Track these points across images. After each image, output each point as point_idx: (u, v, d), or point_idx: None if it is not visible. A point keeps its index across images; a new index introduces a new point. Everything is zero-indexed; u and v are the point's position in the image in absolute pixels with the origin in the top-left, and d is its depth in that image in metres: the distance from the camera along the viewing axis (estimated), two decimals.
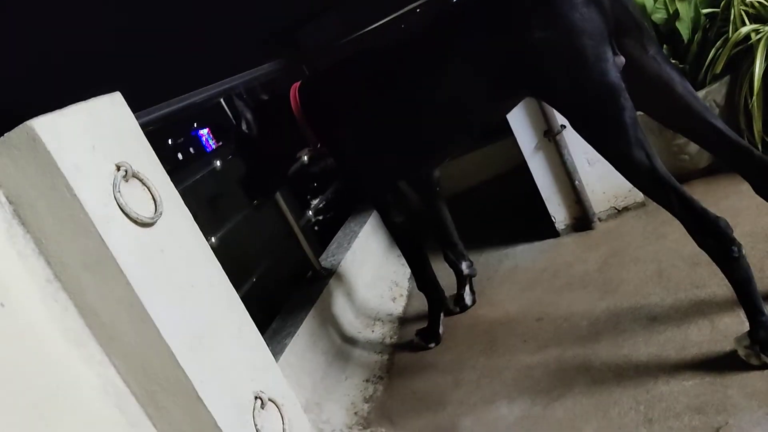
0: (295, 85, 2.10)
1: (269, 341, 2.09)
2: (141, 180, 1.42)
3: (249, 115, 2.13)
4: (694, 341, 1.58)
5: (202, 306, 1.47)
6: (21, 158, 1.27)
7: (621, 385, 1.56)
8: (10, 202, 1.32)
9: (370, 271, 2.79)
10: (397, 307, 2.61)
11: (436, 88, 1.73)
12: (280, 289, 2.64)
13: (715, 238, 1.40)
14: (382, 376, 2.15)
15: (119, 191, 1.35)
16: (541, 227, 2.63)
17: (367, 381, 2.13)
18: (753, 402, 1.32)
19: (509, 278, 2.42)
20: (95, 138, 1.37)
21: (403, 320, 2.51)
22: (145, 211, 1.39)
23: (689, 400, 1.40)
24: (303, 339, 2.10)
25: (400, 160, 2.00)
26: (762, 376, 1.37)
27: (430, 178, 2.25)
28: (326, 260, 2.72)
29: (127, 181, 1.38)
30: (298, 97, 2.06)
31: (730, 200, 2.14)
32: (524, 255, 2.56)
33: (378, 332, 2.42)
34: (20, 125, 1.24)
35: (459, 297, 2.33)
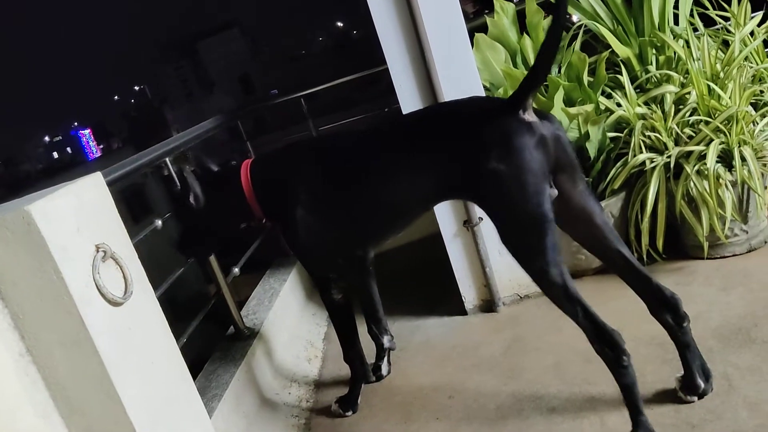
0: (246, 161, 2.23)
1: None
2: (115, 260, 1.51)
3: (197, 188, 2.22)
4: None
5: (160, 382, 1.57)
6: (12, 240, 1.34)
7: None
8: None
9: (288, 330, 2.91)
10: (313, 369, 2.75)
11: (389, 184, 1.95)
12: (201, 343, 2.70)
13: (610, 348, 1.68)
14: None
15: (98, 273, 1.44)
16: (450, 301, 2.88)
17: None
18: None
19: (422, 351, 2.63)
20: (80, 220, 1.45)
21: (319, 383, 2.65)
22: (118, 291, 1.48)
23: None
24: (229, 402, 2.19)
25: (347, 241, 2.18)
26: None
27: (365, 257, 2.44)
28: (248, 317, 2.82)
29: (104, 261, 1.47)
30: (249, 174, 2.19)
31: (618, 302, 2.44)
32: (435, 330, 2.79)
33: (294, 395, 2.55)
34: (17, 209, 1.31)
35: (376, 367, 2.51)
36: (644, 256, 2.58)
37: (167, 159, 2.48)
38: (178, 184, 2.45)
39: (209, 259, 2.59)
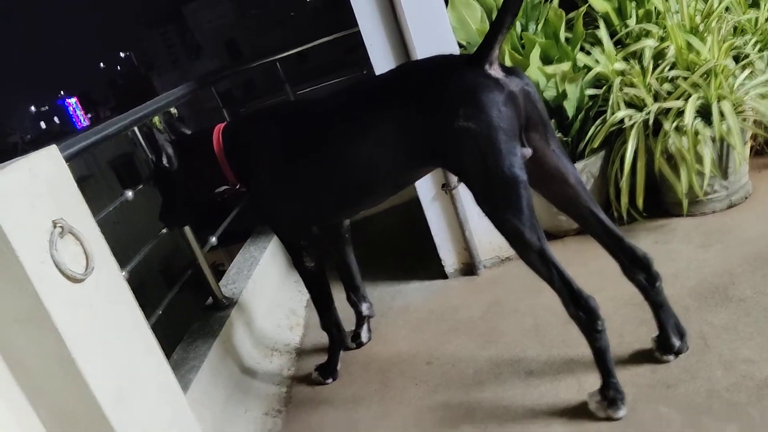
0: (219, 126, 2.18)
1: None
2: (75, 235, 1.47)
3: (169, 149, 2.17)
4: (563, 399, 1.83)
5: (125, 356, 1.55)
6: None
7: None
8: None
9: (269, 298, 2.89)
10: (294, 337, 2.74)
11: (361, 149, 1.89)
12: (180, 316, 2.68)
13: (585, 313, 1.67)
14: (280, 410, 2.27)
15: (56, 249, 1.41)
16: (431, 266, 2.86)
17: (266, 414, 2.24)
18: None
19: (402, 317, 2.62)
20: (34, 195, 1.42)
21: (300, 351, 2.64)
22: (78, 267, 1.46)
23: None
24: (206, 373, 2.17)
25: (317, 210, 2.14)
26: None
27: (340, 225, 2.41)
28: (227, 287, 2.79)
29: (62, 237, 1.44)
30: (221, 139, 2.14)
31: (598, 262, 2.39)
32: (416, 294, 2.77)
33: (276, 363, 2.54)
34: None
35: (356, 334, 2.50)
36: (624, 215, 2.55)
37: (135, 128, 2.42)
38: (148, 148, 2.40)
39: (184, 229, 2.55)
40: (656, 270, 1.79)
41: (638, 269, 1.79)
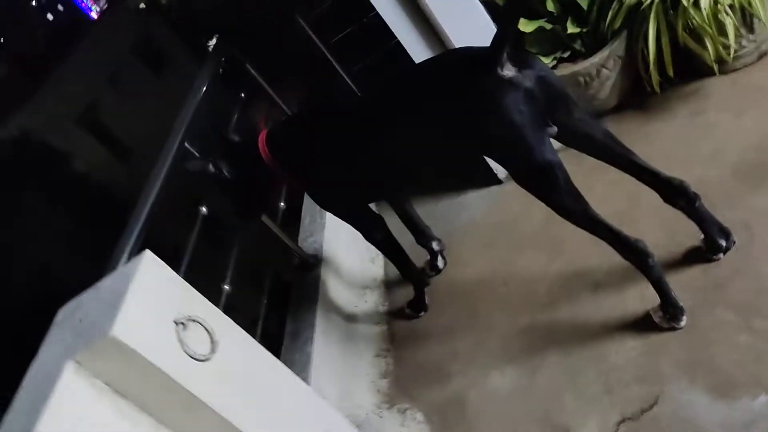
0: (262, 134, 2.33)
1: (292, 350, 2.49)
2: (194, 321, 1.74)
3: (225, 164, 2.37)
4: (630, 310, 2.07)
5: (279, 404, 1.86)
6: (109, 356, 1.57)
7: (584, 354, 2.07)
8: (108, 385, 1.62)
9: (346, 238, 3.15)
10: (378, 269, 3.04)
11: (408, 142, 2.04)
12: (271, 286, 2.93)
13: (637, 255, 1.87)
14: (388, 349, 2.63)
15: (186, 345, 1.68)
16: (485, 172, 2.98)
17: (378, 356, 2.61)
18: (678, 371, 1.85)
19: (469, 233, 2.86)
20: (153, 312, 1.66)
21: (388, 283, 2.95)
22: (206, 347, 1.73)
23: (635, 371, 1.93)
24: (321, 339, 2.51)
25: (372, 193, 2.34)
26: (680, 346, 1.90)
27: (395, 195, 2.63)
28: (306, 240, 3.06)
29: (185, 330, 1.71)
30: (266, 146, 2.30)
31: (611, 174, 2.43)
32: (476, 205, 2.97)
33: (371, 301, 2.87)
34: (104, 337, 1.53)
35: (433, 265, 2.77)
36: (657, 87, 2.60)
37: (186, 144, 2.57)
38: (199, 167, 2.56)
39: None
40: (693, 192, 1.93)
41: (678, 197, 1.94)
